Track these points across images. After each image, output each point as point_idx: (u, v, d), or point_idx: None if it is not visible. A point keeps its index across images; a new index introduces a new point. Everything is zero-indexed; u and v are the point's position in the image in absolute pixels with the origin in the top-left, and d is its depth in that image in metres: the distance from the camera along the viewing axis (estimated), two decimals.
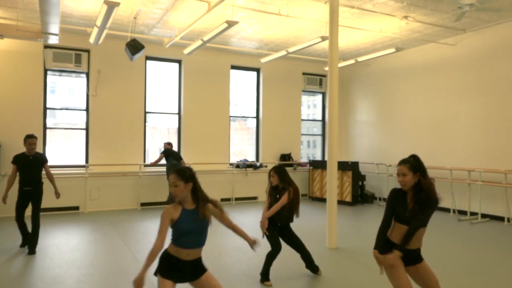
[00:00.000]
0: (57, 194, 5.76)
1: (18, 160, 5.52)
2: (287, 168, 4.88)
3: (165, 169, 9.01)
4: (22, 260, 5.08)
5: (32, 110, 8.42)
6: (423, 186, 2.85)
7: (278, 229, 4.44)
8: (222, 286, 2.85)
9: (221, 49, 9.93)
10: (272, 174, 4.39)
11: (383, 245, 2.93)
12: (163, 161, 8.95)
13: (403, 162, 2.95)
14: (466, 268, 4.85)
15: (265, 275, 4.35)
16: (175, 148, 9.43)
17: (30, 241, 5.48)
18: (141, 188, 9.23)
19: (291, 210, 4.36)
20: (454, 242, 6.27)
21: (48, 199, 8.08)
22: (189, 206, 2.77)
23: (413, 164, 2.90)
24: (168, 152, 8.92)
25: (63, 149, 9.11)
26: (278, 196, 4.36)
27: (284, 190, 4.34)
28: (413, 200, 2.89)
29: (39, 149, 8.25)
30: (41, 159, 5.70)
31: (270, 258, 4.37)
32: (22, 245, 5.67)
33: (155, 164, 9.05)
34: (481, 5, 6.25)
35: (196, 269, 2.80)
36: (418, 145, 9.54)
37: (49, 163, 5.84)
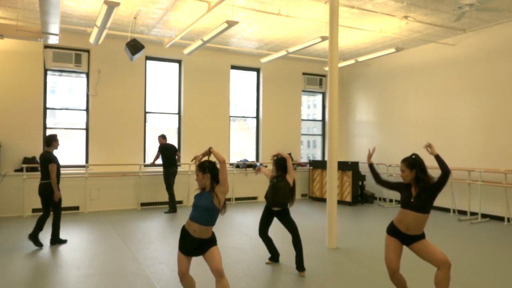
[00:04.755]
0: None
1: (56, 159, 5.69)
2: None
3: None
4: (22, 260, 5.08)
5: (32, 110, 8.42)
6: (421, 179, 3.38)
7: (276, 214, 4.75)
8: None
9: (221, 49, 9.93)
10: (274, 164, 5.02)
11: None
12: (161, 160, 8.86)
13: (402, 160, 3.55)
14: (466, 268, 4.85)
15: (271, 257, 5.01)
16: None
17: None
18: (141, 188, 9.23)
19: (289, 195, 4.79)
20: (454, 242, 6.26)
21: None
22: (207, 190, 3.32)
23: (411, 162, 3.46)
24: (163, 147, 8.80)
25: (63, 149, 9.09)
26: (278, 180, 4.82)
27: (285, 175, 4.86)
28: (416, 190, 3.39)
29: (39, 149, 8.33)
30: None
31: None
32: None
33: (154, 161, 8.97)
34: (481, 5, 6.24)
35: (198, 249, 3.21)
36: (418, 145, 9.45)
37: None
